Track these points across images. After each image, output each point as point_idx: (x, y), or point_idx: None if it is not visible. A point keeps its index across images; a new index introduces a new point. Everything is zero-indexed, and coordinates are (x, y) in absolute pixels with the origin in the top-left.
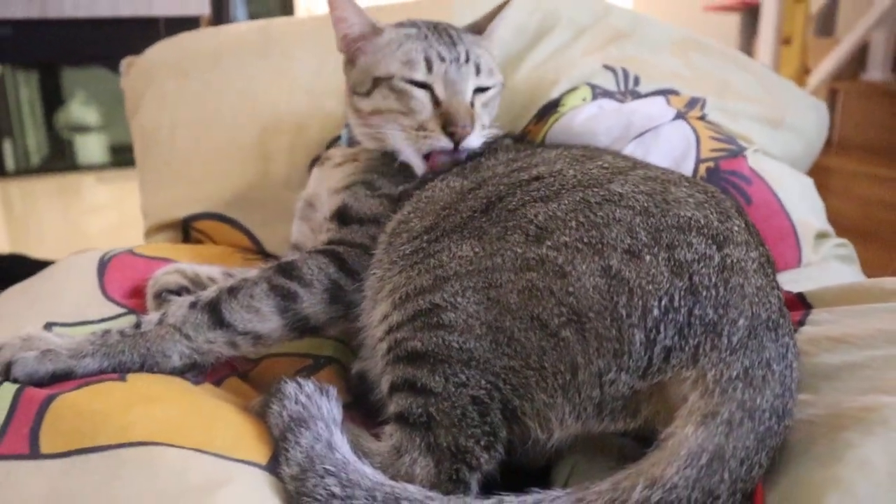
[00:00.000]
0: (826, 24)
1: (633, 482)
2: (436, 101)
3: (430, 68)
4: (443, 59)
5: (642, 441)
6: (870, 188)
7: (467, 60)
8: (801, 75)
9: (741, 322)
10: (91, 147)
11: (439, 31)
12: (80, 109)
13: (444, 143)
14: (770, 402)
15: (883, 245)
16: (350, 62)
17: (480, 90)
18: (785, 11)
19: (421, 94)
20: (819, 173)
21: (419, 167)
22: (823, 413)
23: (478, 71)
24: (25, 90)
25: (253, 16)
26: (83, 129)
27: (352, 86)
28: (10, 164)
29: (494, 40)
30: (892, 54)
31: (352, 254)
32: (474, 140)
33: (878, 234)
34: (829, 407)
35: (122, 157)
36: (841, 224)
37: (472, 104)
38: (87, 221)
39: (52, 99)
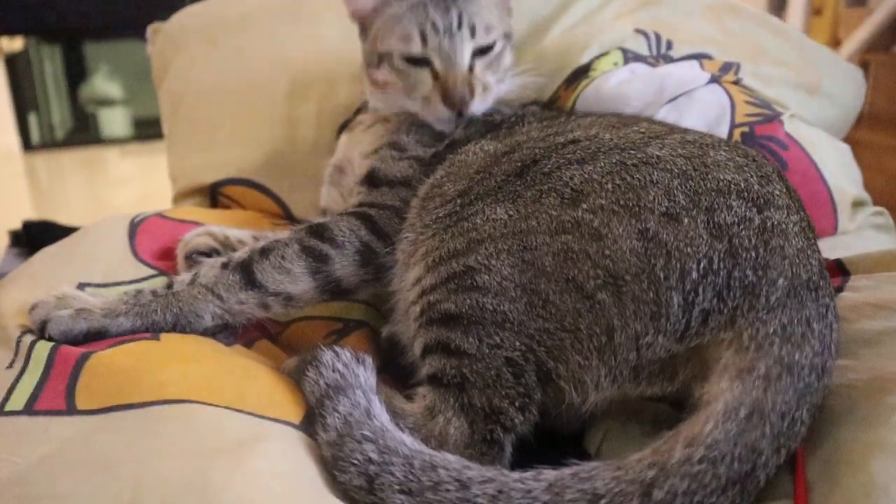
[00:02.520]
0: None
1: (673, 444)
2: (435, 74)
3: (424, 41)
4: (437, 30)
5: (678, 406)
6: None
7: (460, 25)
8: (832, 47)
9: (780, 282)
10: (115, 121)
11: None
12: (103, 83)
13: (447, 114)
14: (809, 358)
15: None
16: (362, 32)
17: (482, 51)
18: None
19: (418, 71)
20: (849, 147)
21: (440, 126)
22: (865, 378)
23: (473, 33)
24: (50, 64)
25: None
26: (107, 102)
27: (365, 56)
28: (35, 137)
29: None
30: None
31: (383, 216)
32: (477, 106)
33: None
34: (870, 371)
35: (145, 130)
36: (872, 198)
37: (472, 68)
38: (111, 194)
39: (76, 73)
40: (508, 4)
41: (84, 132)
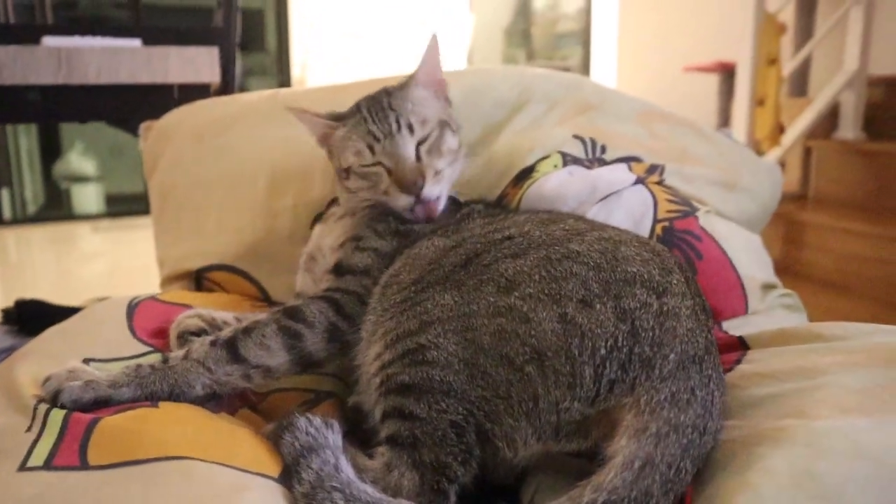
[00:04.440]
0: (799, 85)
1: (583, 491)
2: (389, 171)
3: (373, 151)
4: (380, 139)
5: (596, 462)
6: (844, 242)
7: (399, 128)
8: (776, 134)
9: (671, 357)
10: (87, 197)
11: (375, 105)
12: (77, 160)
13: (405, 201)
14: (692, 420)
15: (857, 297)
16: (328, 154)
17: (422, 141)
18: (758, 73)
19: (376, 172)
20: (795, 228)
21: (407, 214)
22: (745, 434)
23: (411, 129)
24: (25, 140)
25: (246, 71)
26: (80, 179)
27: (335, 171)
28: (7, 212)
29: (420, 81)
30: (861, 114)
31: (347, 300)
32: (431, 189)
33: (851, 287)
34: (750, 429)
35: (117, 207)
36: (816, 277)
37: (419, 157)
38: (81, 270)
39: (51, 150)
40: (445, 94)
41: (56, 208)
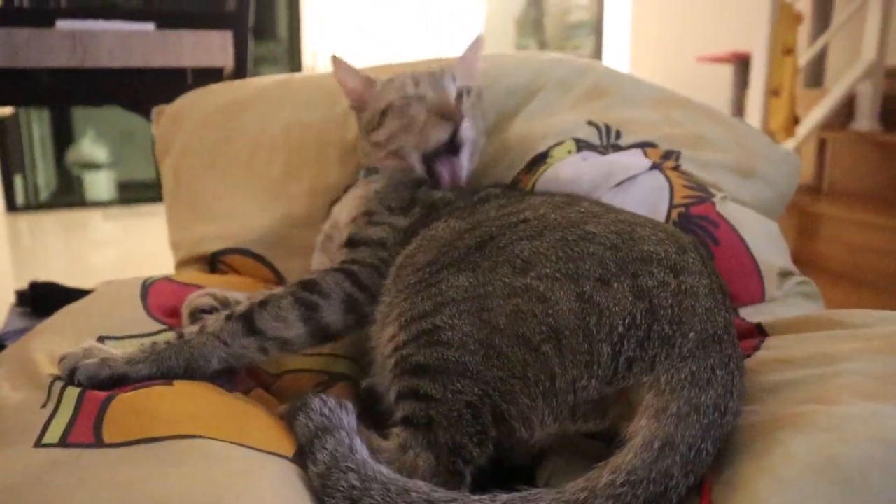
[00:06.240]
0: (815, 76)
1: (601, 472)
2: (429, 105)
3: (417, 84)
4: (426, 78)
5: (614, 444)
6: (858, 234)
7: (443, 73)
8: (791, 125)
9: (691, 335)
10: (99, 184)
11: (419, 70)
12: (89, 147)
13: (442, 132)
14: (713, 399)
15: (871, 290)
16: (360, 111)
17: (462, 94)
18: (774, 64)
19: (416, 107)
20: (809, 220)
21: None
22: (764, 419)
23: (454, 79)
24: (37, 127)
25: (258, 60)
26: (92, 166)
27: (364, 127)
28: (20, 198)
29: (465, 66)
30: (878, 105)
31: (363, 272)
32: (468, 130)
33: (865, 279)
34: (769, 414)
35: (128, 194)
36: (830, 269)
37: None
38: (93, 256)
39: (64, 137)
40: (479, 92)
41: (68, 195)
